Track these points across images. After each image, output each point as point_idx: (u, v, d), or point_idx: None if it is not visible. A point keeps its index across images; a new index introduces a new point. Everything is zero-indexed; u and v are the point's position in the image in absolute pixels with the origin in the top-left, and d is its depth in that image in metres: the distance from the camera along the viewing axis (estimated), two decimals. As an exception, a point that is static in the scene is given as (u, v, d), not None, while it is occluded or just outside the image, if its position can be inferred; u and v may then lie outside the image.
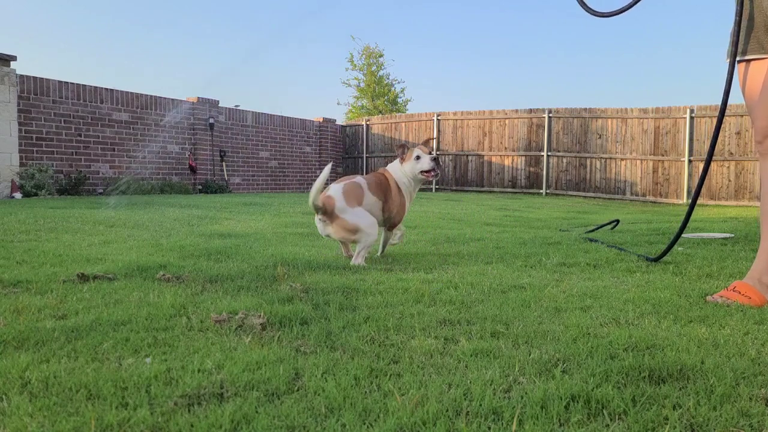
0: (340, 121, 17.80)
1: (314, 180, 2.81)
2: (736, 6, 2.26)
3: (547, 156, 14.10)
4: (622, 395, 1.21)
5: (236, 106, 14.04)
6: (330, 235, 3.03)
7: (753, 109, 2.23)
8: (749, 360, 1.46)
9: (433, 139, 3.57)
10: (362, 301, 2.10)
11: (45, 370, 1.32)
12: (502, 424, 1.10)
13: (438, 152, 15.25)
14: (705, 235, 4.59)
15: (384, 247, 3.44)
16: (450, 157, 15.24)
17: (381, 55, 23.51)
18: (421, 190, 3.31)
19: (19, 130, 9.31)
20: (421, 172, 3.26)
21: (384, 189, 3.24)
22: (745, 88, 2.28)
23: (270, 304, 1.99)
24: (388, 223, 3.31)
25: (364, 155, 16.42)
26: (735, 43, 2.25)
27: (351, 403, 1.17)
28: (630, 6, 2.69)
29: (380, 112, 23.00)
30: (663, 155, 12.87)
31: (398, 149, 3.38)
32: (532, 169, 14.35)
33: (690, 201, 2.71)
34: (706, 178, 12.22)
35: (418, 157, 3.26)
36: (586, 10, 2.83)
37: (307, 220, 5.63)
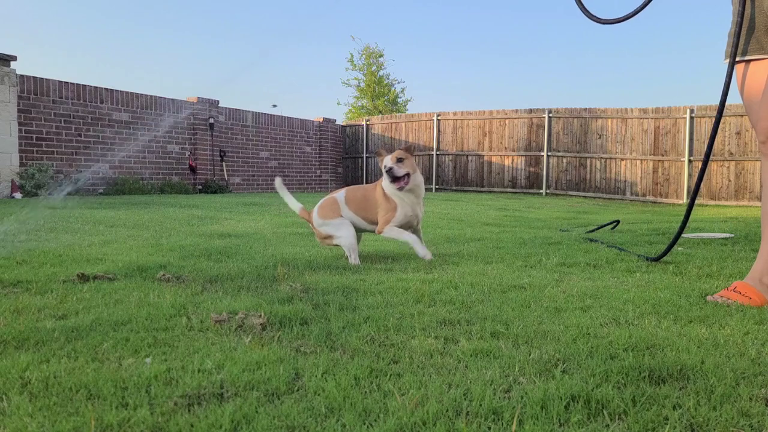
0: (340, 121, 17.79)
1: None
2: (737, 6, 2.25)
3: (547, 156, 14.10)
4: (622, 395, 1.21)
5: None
6: (317, 239, 3.36)
7: (754, 110, 2.23)
8: (749, 360, 1.46)
9: (408, 141, 3.51)
10: (362, 301, 2.10)
11: (45, 370, 1.32)
12: (502, 424, 1.10)
13: (438, 152, 15.25)
14: (705, 235, 4.59)
15: (419, 246, 3.35)
16: (450, 157, 15.24)
17: (381, 55, 23.52)
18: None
19: (19, 130, 9.31)
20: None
21: (367, 203, 3.29)
22: (744, 88, 2.27)
23: (270, 304, 1.99)
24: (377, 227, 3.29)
25: (364, 155, 16.41)
26: (735, 44, 2.25)
27: (351, 403, 1.17)
28: (633, 14, 2.67)
29: (380, 112, 22.99)
30: (663, 155, 12.87)
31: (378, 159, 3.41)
32: (532, 169, 14.35)
33: (689, 200, 2.70)
34: (706, 178, 12.25)
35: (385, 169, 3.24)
36: (589, 17, 2.82)
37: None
